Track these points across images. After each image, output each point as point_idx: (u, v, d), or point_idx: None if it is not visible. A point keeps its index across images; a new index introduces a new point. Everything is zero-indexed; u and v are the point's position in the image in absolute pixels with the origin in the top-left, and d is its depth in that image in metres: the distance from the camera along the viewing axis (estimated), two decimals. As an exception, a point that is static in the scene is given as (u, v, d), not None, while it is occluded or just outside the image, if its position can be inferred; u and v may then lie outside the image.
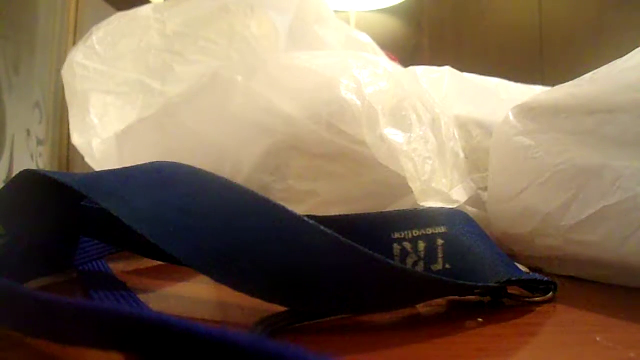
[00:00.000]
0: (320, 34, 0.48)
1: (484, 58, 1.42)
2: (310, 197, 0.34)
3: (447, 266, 0.19)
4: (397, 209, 0.32)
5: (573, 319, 0.20)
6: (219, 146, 0.35)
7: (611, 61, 0.27)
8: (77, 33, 0.72)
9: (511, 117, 0.30)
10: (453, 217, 0.20)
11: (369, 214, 0.20)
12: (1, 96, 0.54)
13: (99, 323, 0.12)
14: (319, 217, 0.18)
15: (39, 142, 0.64)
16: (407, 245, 0.19)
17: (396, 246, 0.19)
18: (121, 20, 0.47)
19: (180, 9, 0.48)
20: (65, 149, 0.70)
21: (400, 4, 1.40)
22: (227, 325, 0.19)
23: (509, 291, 0.21)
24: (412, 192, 0.31)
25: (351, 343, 0.16)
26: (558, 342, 0.17)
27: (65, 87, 0.44)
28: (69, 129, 0.43)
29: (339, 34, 0.51)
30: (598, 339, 0.16)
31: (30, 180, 0.20)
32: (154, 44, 0.47)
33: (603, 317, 0.20)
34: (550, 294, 0.22)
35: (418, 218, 0.19)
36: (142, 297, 0.20)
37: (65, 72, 0.44)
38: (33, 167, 0.64)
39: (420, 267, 0.19)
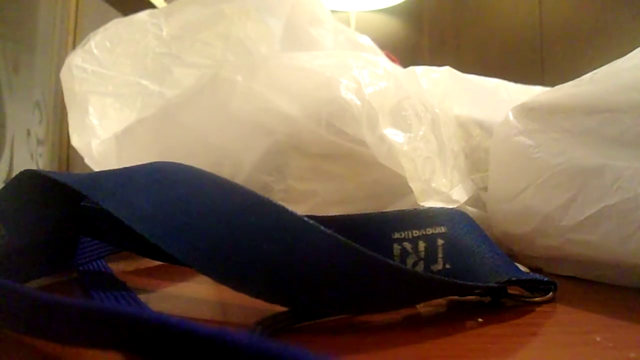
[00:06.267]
0: (315, 35, 0.48)
1: (484, 58, 1.42)
2: (310, 197, 0.34)
3: (447, 266, 0.19)
4: (397, 209, 0.32)
5: (573, 319, 0.20)
6: (219, 146, 0.35)
7: (611, 61, 0.27)
8: (77, 33, 0.72)
9: (511, 117, 0.30)
10: (453, 217, 0.20)
11: (369, 214, 0.20)
12: (1, 96, 0.54)
13: (99, 323, 0.12)
14: (319, 217, 0.18)
15: (39, 142, 0.64)
16: (407, 245, 0.19)
17: (396, 246, 0.19)
18: (118, 25, 0.47)
19: (176, 14, 0.48)
20: (65, 149, 0.70)
21: (400, 4, 1.40)
22: (227, 325, 0.19)
23: (509, 291, 0.21)
24: (412, 192, 0.31)
25: (351, 343, 0.16)
26: (558, 342, 0.17)
27: (64, 89, 0.44)
28: (69, 129, 0.43)
29: (335, 34, 0.51)
30: (598, 339, 0.16)
31: (30, 180, 0.20)
32: (151, 47, 0.47)
33: (603, 317, 0.20)
34: (550, 294, 0.22)
35: (418, 218, 0.19)
36: (142, 297, 0.20)
37: (64, 75, 0.44)
38: (33, 167, 0.64)
39: (420, 267, 0.19)
